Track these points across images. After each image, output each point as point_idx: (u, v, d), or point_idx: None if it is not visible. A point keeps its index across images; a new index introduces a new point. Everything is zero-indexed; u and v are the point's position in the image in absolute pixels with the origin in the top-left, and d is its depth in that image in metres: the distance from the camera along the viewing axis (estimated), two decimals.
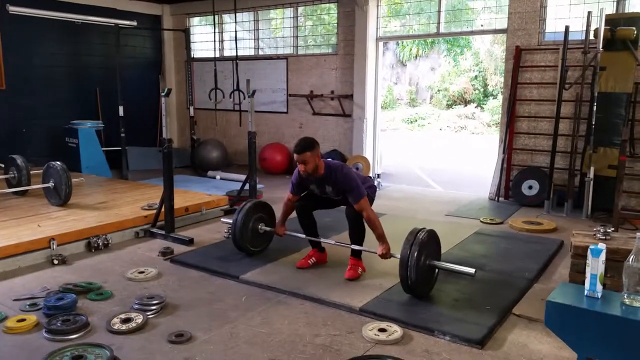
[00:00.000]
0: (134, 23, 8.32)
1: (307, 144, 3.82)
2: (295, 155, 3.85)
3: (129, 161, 8.36)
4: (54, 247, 4.34)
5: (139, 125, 9.46)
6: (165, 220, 4.95)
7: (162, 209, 4.98)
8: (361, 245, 4.00)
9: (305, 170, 3.84)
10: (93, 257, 4.44)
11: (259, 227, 4.40)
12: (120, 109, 8.01)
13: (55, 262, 4.24)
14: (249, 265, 4.15)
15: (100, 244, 4.61)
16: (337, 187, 3.91)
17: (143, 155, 9.24)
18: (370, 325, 3.11)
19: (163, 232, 4.96)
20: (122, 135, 8.04)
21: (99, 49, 9.28)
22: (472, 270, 3.51)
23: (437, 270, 3.66)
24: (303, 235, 4.27)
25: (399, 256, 3.49)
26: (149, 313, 3.26)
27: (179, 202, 5.38)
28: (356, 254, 4.03)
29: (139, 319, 3.15)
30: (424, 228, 3.59)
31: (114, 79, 8.07)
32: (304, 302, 3.52)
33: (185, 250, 4.60)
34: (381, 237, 3.83)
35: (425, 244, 3.47)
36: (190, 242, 4.80)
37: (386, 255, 3.79)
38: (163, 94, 4.87)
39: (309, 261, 4.20)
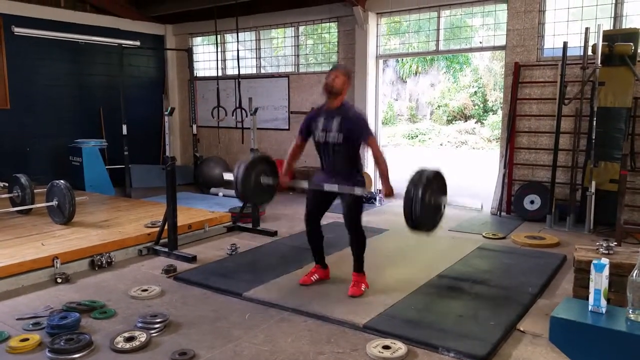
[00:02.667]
0: (137, 43, 8.43)
1: (346, 70, 4.00)
2: (328, 72, 3.90)
3: (132, 179, 8.40)
4: (58, 265, 4.35)
5: (142, 143, 9.53)
6: (169, 238, 4.97)
7: (165, 227, 5.00)
8: (362, 258, 4.02)
9: (333, 81, 3.81)
10: (96, 276, 4.45)
11: (262, 179, 4.13)
12: (124, 127, 8.07)
13: (59, 280, 4.24)
14: (252, 282, 4.15)
15: (104, 262, 4.62)
16: (345, 123, 3.82)
17: (146, 173, 9.29)
18: (374, 343, 3.10)
19: (166, 250, 4.97)
20: (126, 153, 8.09)
21: (103, 68, 9.38)
22: (478, 205, 3.46)
23: (442, 208, 3.55)
24: (306, 185, 4.23)
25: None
26: (152, 331, 3.26)
27: (182, 219, 5.40)
28: (359, 269, 4.04)
29: (142, 337, 3.15)
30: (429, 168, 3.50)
31: (117, 98, 8.14)
32: (307, 319, 3.51)
33: (188, 268, 4.61)
34: (385, 177, 3.86)
35: (430, 180, 3.38)
36: (193, 259, 4.81)
37: (390, 194, 3.85)
38: (167, 113, 4.92)
39: (311, 278, 4.20)
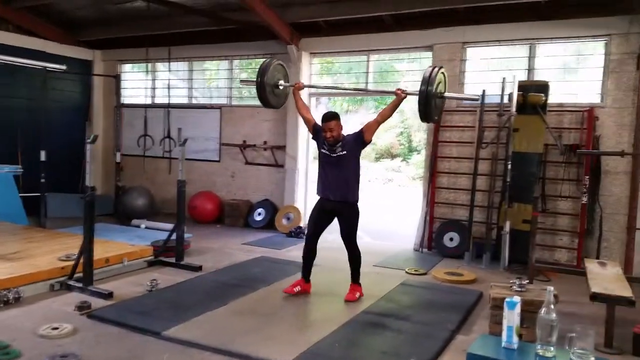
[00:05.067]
0: (64, 67, 8.06)
1: (335, 114, 4.59)
2: (322, 124, 4.55)
3: (48, 208, 7.93)
4: None
5: (62, 170, 9.06)
6: (84, 272, 4.69)
7: (81, 260, 4.73)
8: (359, 271, 4.75)
9: (332, 136, 4.51)
10: (2, 312, 4.10)
11: (279, 82, 5.07)
12: (42, 153, 7.66)
13: None
14: (172, 320, 3.99)
15: (11, 297, 4.27)
16: (347, 142, 4.60)
17: (64, 202, 8.78)
18: None
19: (81, 285, 4.69)
20: (42, 180, 7.67)
21: (24, 91, 8.90)
22: (476, 96, 4.79)
23: (444, 100, 4.64)
24: (324, 87, 5.47)
25: (416, 91, 4.28)
26: None
27: (100, 252, 5.13)
28: (356, 280, 4.74)
29: None
30: (441, 67, 4.44)
31: (38, 123, 7.74)
32: (230, 359, 3.41)
33: (104, 305, 4.36)
34: (390, 104, 4.57)
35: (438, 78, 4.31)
36: (109, 295, 4.56)
37: (401, 93, 4.48)
38: (89, 140, 4.73)
39: (294, 289, 4.71)
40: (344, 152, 4.60)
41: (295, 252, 6.80)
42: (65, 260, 5.04)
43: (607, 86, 6.32)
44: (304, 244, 4.87)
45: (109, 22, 9.18)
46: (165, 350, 3.51)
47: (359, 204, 4.76)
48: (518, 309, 2.54)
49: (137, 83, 10.12)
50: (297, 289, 4.73)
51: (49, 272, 4.77)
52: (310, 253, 4.80)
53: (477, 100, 4.97)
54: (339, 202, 4.65)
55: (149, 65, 9.46)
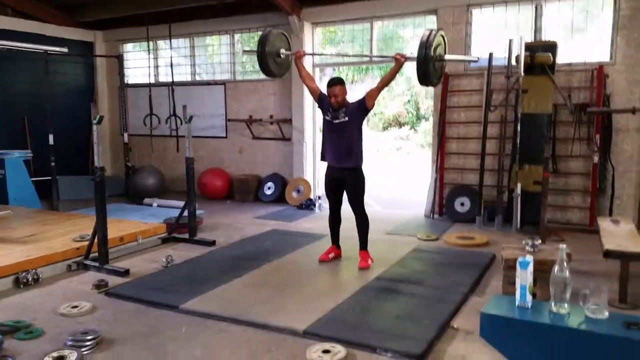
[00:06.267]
0: (65, 50, 8.02)
1: (339, 79, 4.66)
2: (327, 89, 4.60)
3: (60, 191, 8.01)
4: None
5: (70, 153, 9.12)
6: (99, 252, 4.76)
7: (95, 240, 4.79)
8: (367, 237, 4.84)
9: (336, 102, 4.55)
10: (22, 294, 4.19)
11: (281, 51, 5.08)
12: (50, 137, 7.71)
13: None
14: (189, 294, 4.05)
15: (30, 279, 4.36)
16: (350, 109, 4.63)
17: (75, 185, 8.86)
18: (313, 348, 3.11)
19: (97, 264, 4.76)
20: (53, 164, 7.73)
21: (27, 76, 8.89)
22: (475, 58, 4.87)
23: (444, 63, 4.58)
24: (325, 55, 5.20)
25: (414, 54, 4.24)
26: (83, 349, 3.11)
27: (113, 231, 5.19)
28: (364, 247, 4.83)
29: (72, 356, 2.99)
30: (439, 30, 4.40)
31: (43, 107, 7.75)
32: (246, 329, 3.47)
33: (120, 282, 4.43)
34: (391, 69, 4.57)
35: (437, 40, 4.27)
36: (125, 273, 4.63)
37: (401, 57, 4.45)
38: (95, 121, 4.73)
39: (329, 256, 4.96)
40: (346, 119, 4.64)
41: (306, 224, 6.85)
42: (80, 241, 5.11)
43: (616, 43, 6.18)
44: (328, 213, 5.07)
45: (108, 2, 9.07)
46: (184, 323, 3.58)
47: (364, 170, 4.81)
48: (530, 268, 2.53)
49: (139, 62, 10.06)
50: (331, 255, 4.98)
51: (65, 253, 4.84)
52: (334, 220, 5.00)
53: (476, 61, 4.95)
54: (344, 168, 4.71)
55: (151, 43, 9.37)
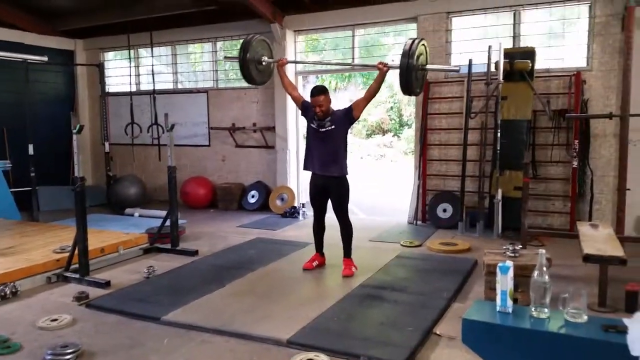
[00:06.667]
0: (45, 58, 7.92)
1: (323, 88, 4.62)
2: (311, 99, 4.57)
3: (40, 202, 7.88)
4: None
5: (51, 163, 8.97)
6: (80, 263, 4.70)
7: (76, 251, 4.72)
8: (350, 245, 4.84)
9: (321, 111, 4.53)
10: (0, 307, 4.12)
11: (263, 59, 5.07)
12: (30, 147, 7.59)
13: None
14: (171, 305, 4.01)
15: (8, 292, 4.27)
16: (336, 117, 4.62)
17: (56, 195, 8.72)
18: (297, 357, 3.10)
19: (77, 276, 4.69)
20: (32, 174, 7.61)
21: (6, 85, 8.76)
22: (457, 67, 4.78)
23: (425, 73, 4.62)
24: (307, 63, 5.06)
25: (397, 63, 4.25)
26: None
27: (94, 242, 5.12)
28: (348, 255, 4.84)
29: None
30: (421, 39, 4.40)
31: (23, 117, 7.64)
32: (229, 339, 3.44)
33: (101, 294, 4.36)
34: (376, 80, 4.57)
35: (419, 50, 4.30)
36: (107, 284, 4.57)
37: (383, 66, 4.45)
38: (75, 131, 4.68)
39: (312, 264, 4.94)
40: (333, 127, 4.63)
41: (290, 232, 6.83)
42: (60, 253, 5.03)
43: (592, 49, 6.31)
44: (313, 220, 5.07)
45: (88, 10, 9.00)
46: (166, 334, 3.53)
47: (349, 178, 4.80)
48: (511, 273, 2.55)
49: (121, 71, 9.98)
50: (315, 263, 4.96)
51: (45, 265, 4.76)
52: (318, 228, 4.99)
53: (457, 71, 4.99)
54: (329, 176, 4.70)
55: (132, 51, 9.31)
